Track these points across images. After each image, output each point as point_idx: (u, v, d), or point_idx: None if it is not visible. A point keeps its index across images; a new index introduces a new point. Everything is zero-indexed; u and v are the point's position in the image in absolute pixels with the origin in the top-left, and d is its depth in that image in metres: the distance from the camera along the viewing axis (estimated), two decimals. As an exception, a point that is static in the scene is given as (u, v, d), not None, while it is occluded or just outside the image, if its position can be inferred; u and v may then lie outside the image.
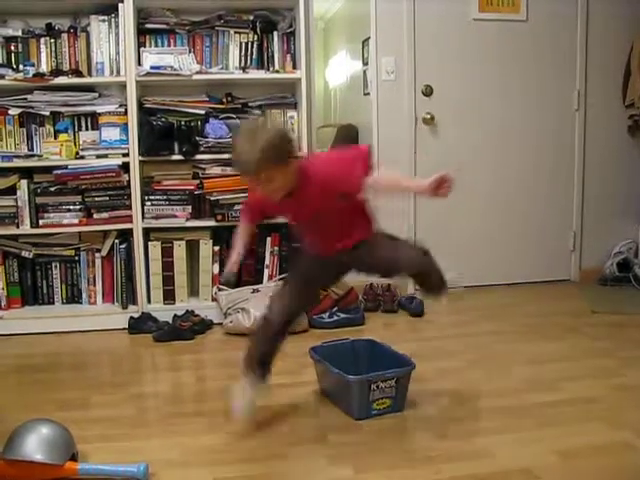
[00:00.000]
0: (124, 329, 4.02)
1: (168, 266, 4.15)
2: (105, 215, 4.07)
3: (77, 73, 4.04)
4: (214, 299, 4.17)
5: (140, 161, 4.05)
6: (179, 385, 3.26)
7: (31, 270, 4.16)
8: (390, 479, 2.28)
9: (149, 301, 4.15)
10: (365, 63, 4.80)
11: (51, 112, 4.09)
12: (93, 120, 4.15)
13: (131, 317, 4.03)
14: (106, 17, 4.06)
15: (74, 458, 2.27)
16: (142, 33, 4.18)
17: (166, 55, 4.11)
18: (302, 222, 2.74)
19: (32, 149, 4.11)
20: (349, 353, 3.06)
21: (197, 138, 4.12)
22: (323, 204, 2.54)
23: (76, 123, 4.16)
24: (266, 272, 4.28)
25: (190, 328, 3.90)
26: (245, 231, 2.84)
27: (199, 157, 4.12)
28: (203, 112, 4.21)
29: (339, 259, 2.75)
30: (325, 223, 2.64)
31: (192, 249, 4.24)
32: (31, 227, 4.01)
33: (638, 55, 4.88)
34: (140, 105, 4.13)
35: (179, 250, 4.14)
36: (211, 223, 4.17)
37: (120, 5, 3.97)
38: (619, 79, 5.02)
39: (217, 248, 4.21)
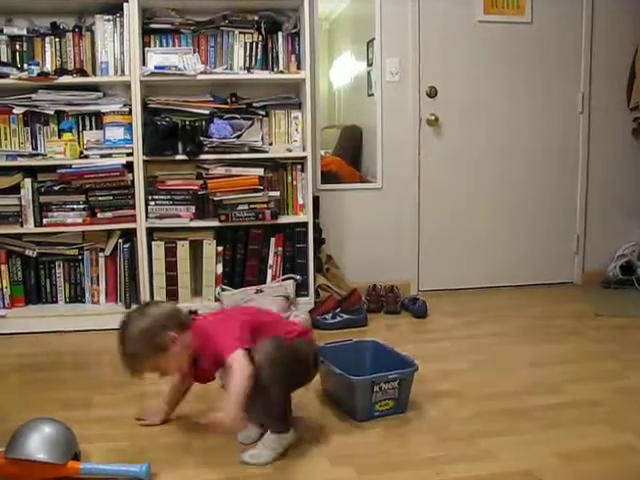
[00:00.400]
0: (127, 329, 4.01)
1: (171, 266, 4.15)
2: (109, 214, 4.07)
3: (82, 72, 4.04)
4: (217, 299, 4.17)
5: (144, 161, 4.05)
6: (182, 385, 3.26)
7: (34, 269, 4.17)
8: (392, 480, 2.28)
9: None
10: (370, 64, 4.78)
11: (55, 111, 4.09)
12: (97, 119, 4.15)
13: (134, 317, 4.02)
14: (111, 17, 4.06)
15: (76, 457, 2.27)
16: (147, 33, 4.19)
17: (171, 55, 4.11)
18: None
19: (36, 148, 4.11)
20: (352, 354, 3.05)
21: (201, 138, 4.11)
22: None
23: (80, 122, 4.16)
24: (269, 272, 4.28)
25: (193, 328, 3.90)
26: (174, 388, 2.78)
27: (203, 157, 4.12)
28: (207, 112, 4.21)
29: None
30: None
31: (195, 249, 4.24)
32: (35, 226, 4.01)
33: (643, 58, 4.89)
34: (144, 105, 4.13)
35: (182, 250, 4.14)
36: (215, 223, 4.17)
37: (125, 5, 3.98)
38: (624, 82, 5.01)
39: (221, 248, 4.21)
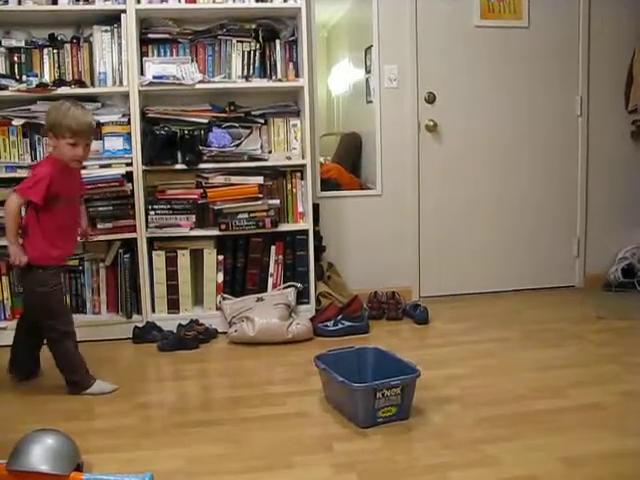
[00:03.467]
0: (128, 339, 4.02)
1: (172, 275, 4.14)
2: (109, 225, 4.06)
3: (80, 83, 4.05)
4: (218, 308, 4.17)
5: (143, 170, 4.05)
6: (184, 394, 3.26)
7: (35, 280, 4.16)
8: (396, 487, 2.28)
9: (153, 310, 4.15)
10: (368, 71, 4.79)
11: (54, 122, 4.09)
12: (96, 130, 4.14)
13: (135, 327, 4.03)
14: (109, 27, 4.07)
15: (79, 469, 2.26)
16: (145, 43, 4.19)
17: (169, 65, 4.12)
18: None
19: (35, 159, 4.10)
20: (354, 361, 3.05)
21: (200, 147, 4.12)
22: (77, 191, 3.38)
23: (79, 133, 4.16)
24: (270, 281, 4.27)
25: (194, 337, 3.90)
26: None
27: (202, 166, 4.12)
28: (206, 121, 4.21)
29: None
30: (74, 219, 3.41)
31: (196, 258, 4.24)
32: (35, 237, 4.01)
33: (640, 61, 4.90)
34: (143, 115, 4.13)
35: (183, 259, 4.14)
36: (215, 232, 4.17)
37: (122, 15, 3.98)
38: (621, 85, 5.02)
39: (221, 257, 4.21)
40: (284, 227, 4.28)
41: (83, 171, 3.95)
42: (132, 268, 4.13)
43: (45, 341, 3.27)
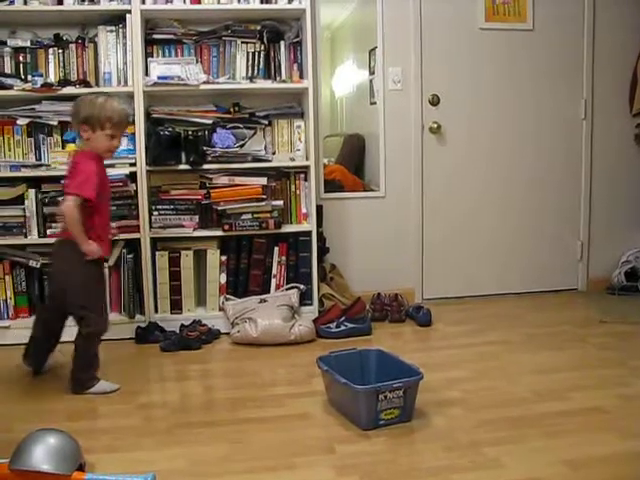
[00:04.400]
0: (131, 339, 4.02)
1: (175, 276, 4.15)
2: (112, 225, 4.06)
3: (85, 83, 4.05)
4: (221, 309, 4.18)
5: (147, 171, 4.06)
6: (186, 395, 3.25)
7: (38, 279, 4.15)
8: (398, 490, 2.28)
9: (156, 311, 4.15)
10: (372, 72, 4.79)
11: (59, 122, 4.09)
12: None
13: (138, 327, 4.03)
14: (114, 28, 4.07)
15: (82, 468, 2.26)
16: (149, 43, 4.20)
17: (173, 65, 4.12)
18: None
19: (40, 159, 4.11)
20: (357, 363, 3.05)
21: (204, 148, 4.12)
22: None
23: (84, 133, 4.16)
24: (273, 282, 4.28)
25: (197, 338, 3.90)
26: None
27: (206, 167, 4.13)
28: (210, 122, 4.21)
29: None
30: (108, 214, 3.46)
31: (199, 259, 4.24)
32: (39, 237, 4.01)
33: (645, 64, 4.89)
34: (147, 115, 4.14)
35: (186, 260, 4.15)
36: (218, 233, 4.17)
37: (128, 16, 3.99)
38: (626, 88, 5.02)
39: (224, 258, 4.21)
40: (287, 228, 4.28)
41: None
42: (135, 268, 4.13)
43: (77, 334, 3.23)
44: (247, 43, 4.27)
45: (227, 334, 4.06)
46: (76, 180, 3.11)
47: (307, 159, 4.26)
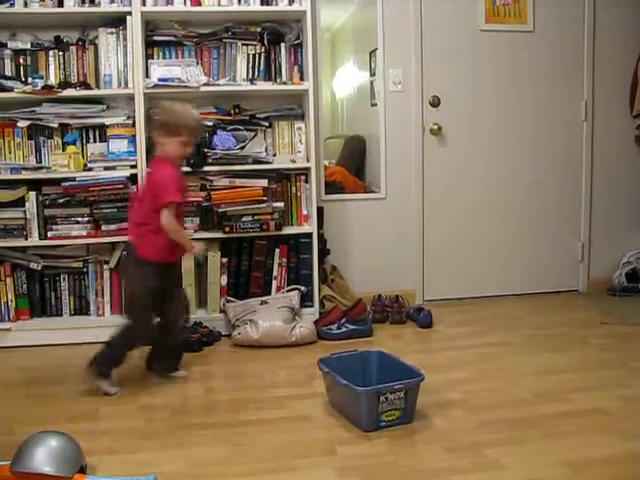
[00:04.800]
0: (132, 341, 4.01)
1: (176, 278, 4.15)
2: (113, 227, 4.07)
3: (85, 85, 4.06)
4: (222, 311, 4.17)
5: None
6: (187, 397, 3.25)
7: (39, 282, 4.17)
8: (400, 491, 2.28)
9: (157, 313, 4.15)
10: (372, 74, 4.79)
11: (59, 124, 4.10)
12: (101, 132, 4.16)
13: (139, 329, 4.02)
14: (114, 30, 4.08)
15: (83, 470, 2.27)
16: (150, 45, 4.20)
17: (174, 67, 4.12)
18: None
19: (40, 161, 4.12)
20: (358, 365, 3.05)
21: (205, 150, 4.12)
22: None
23: (84, 135, 4.16)
24: (274, 284, 4.28)
25: (198, 340, 3.90)
26: None
27: (207, 169, 4.12)
28: (211, 124, 4.21)
29: None
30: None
31: (200, 261, 4.24)
32: (39, 239, 4.02)
33: (645, 65, 4.90)
34: (148, 117, 4.13)
35: (187, 262, 4.13)
36: (219, 235, 4.17)
37: (128, 18, 3.99)
38: (626, 89, 5.02)
39: (225, 260, 4.21)
40: (288, 230, 4.28)
41: (88, 173, 4.00)
42: (136, 270, 4.13)
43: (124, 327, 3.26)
44: (247, 45, 4.27)
45: (228, 336, 4.06)
46: (159, 190, 3.14)
47: (308, 161, 4.27)
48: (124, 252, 3.39)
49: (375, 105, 4.80)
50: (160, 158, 3.27)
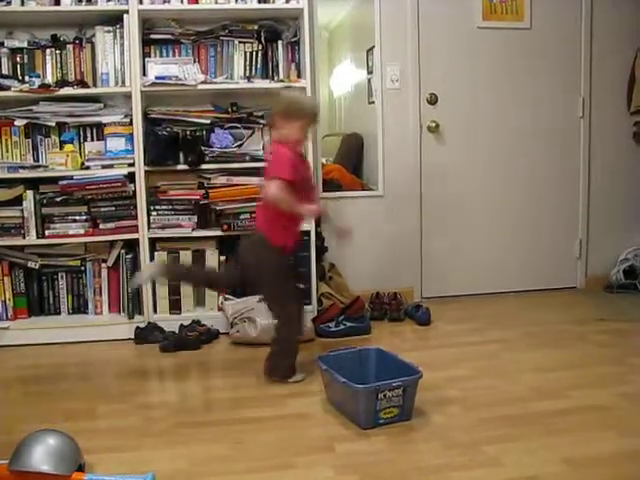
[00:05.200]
0: (130, 339, 4.02)
1: (174, 276, 4.15)
2: (111, 225, 4.07)
3: (82, 84, 4.05)
4: (220, 309, 4.17)
5: (146, 171, 4.05)
6: (186, 395, 3.26)
7: (37, 281, 4.17)
8: (398, 488, 2.28)
9: (155, 311, 4.15)
10: (370, 72, 4.79)
11: (57, 123, 4.10)
12: (98, 130, 4.16)
13: (137, 327, 4.03)
14: (111, 28, 4.07)
15: (81, 469, 2.27)
16: (147, 43, 4.19)
17: (171, 65, 4.12)
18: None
19: (38, 160, 4.12)
20: (356, 362, 3.06)
21: (202, 148, 4.12)
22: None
23: (81, 133, 4.17)
24: (272, 281, 4.27)
25: (196, 338, 3.90)
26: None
27: (204, 167, 4.12)
28: (208, 122, 4.21)
29: None
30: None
31: (198, 259, 4.24)
32: (37, 238, 4.01)
33: (643, 62, 4.90)
34: (145, 115, 4.13)
35: (185, 260, 4.14)
36: (217, 233, 4.17)
37: (125, 16, 3.98)
38: (624, 86, 5.02)
39: (223, 258, 4.21)
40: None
41: (86, 171, 3.99)
42: (134, 269, 4.13)
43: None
44: (245, 43, 4.27)
45: (226, 334, 4.06)
46: (273, 166, 3.26)
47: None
48: (249, 246, 3.41)
49: (372, 103, 4.79)
50: (278, 141, 3.34)
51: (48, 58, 4.09)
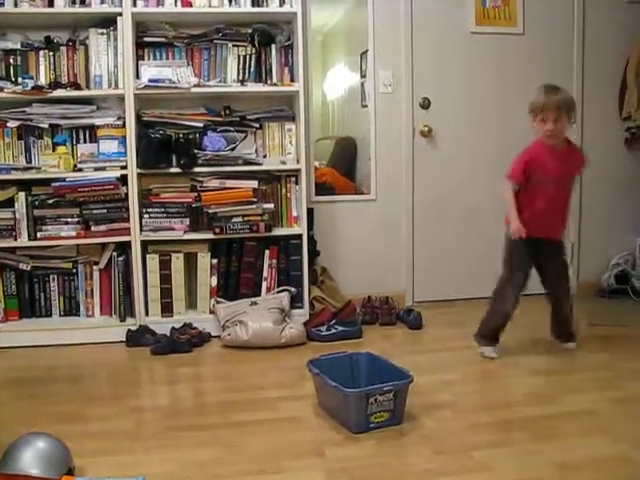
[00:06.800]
0: (122, 342, 4.01)
1: (166, 279, 4.14)
2: (103, 228, 4.06)
3: (75, 86, 4.05)
4: (212, 312, 4.17)
5: (138, 174, 4.05)
6: (177, 398, 3.25)
7: (29, 283, 4.16)
8: (388, 493, 2.28)
9: (147, 314, 4.15)
10: (363, 76, 4.80)
11: (49, 125, 4.09)
12: (91, 133, 4.15)
13: (129, 330, 4.02)
14: (105, 30, 4.07)
15: (71, 472, 2.26)
16: (140, 46, 4.19)
17: (164, 68, 4.12)
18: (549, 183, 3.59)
19: (30, 161, 4.11)
20: (347, 366, 3.06)
21: (195, 151, 4.12)
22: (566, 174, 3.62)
23: (74, 136, 4.16)
24: (264, 284, 4.28)
25: (188, 341, 3.89)
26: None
27: (197, 170, 4.12)
28: (201, 125, 4.21)
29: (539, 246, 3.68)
30: (557, 202, 3.64)
31: (190, 262, 4.24)
32: (29, 240, 4.00)
33: (634, 68, 4.91)
34: (138, 118, 4.13)
35: (177, 263, 4.14)
36: (209, 236, 4.17)
37: (119, 18, 3.98)
38: (615, 92, 5.04)
39: (215, 261, 4.21)
40: (278, 231, 4.28)
41: (78, 174, 3.99)
42: (126, 271, 4.13)
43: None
44: (238, 46, 4.27)
45: (218, 337, 4.05)
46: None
47: (298, 162, 4.27)
48: None
49: (366, 107, 4.80)
50: (534, 140, 3.65)
51: (41, 60, 4.09)
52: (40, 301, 4.20)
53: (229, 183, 4.15)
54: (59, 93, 4.00)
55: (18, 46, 4.07)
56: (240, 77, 4.27)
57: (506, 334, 4.05)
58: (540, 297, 4.92)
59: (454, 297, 4.93)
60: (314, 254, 4.52)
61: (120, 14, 3.98)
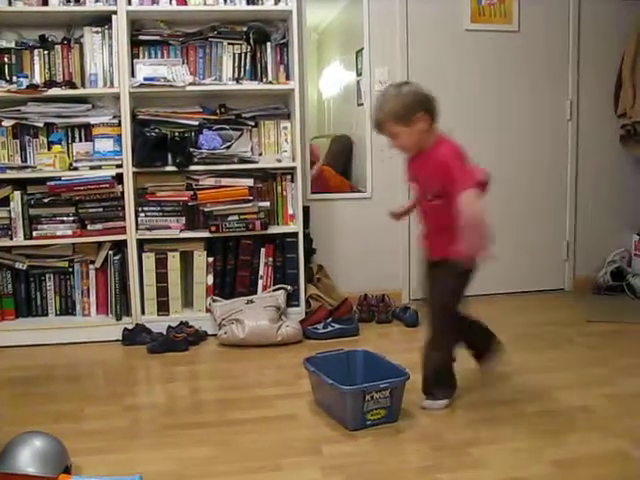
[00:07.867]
0: (118, 341, 4.01)
1: (162, 277, 4.14)
2: (99, 226, 4.06)
3: (71, 85, 4.04)
4: (208, 310, 4.17)
5: (134, 172, 4.05)
6: (173, 397, 3.25)
7: (25, 282, 4.15)
8: (385, 490, 2.28)
9: (143, 312, 4.14)
10: (359, 74, 4.80)
11: (45, 123, 4.09)
12: (87, 131, 4.15)
13: (125, 328, 4.02)
14: (100, 29, 4.06)
15: (67, 471, 2.26)
16: (135, 44, 4.18)
17: (159, 66, 4.12)
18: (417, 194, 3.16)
19: (25, 160, 4.10)
20: (344, 364, 3.06)
21: (191, 149, 4.11)
22: (425, 181, 3.07)
23: (70, 134, 4.15)
24: (260, 283, 4.28)
25: (184, 339, 3.89)
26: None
27: (193, 168, 4.12)
28: (197, 123, 4.21)
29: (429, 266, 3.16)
30: (427, 214, 3.11)
31: (186, 260, 4.24)
32: (25, 239, 4.00)
33: (629, 66, 4.91)
34: (133, 116, 4.13)
35: (173, 261, 4.14)
36: (205, 234, 4.17)
37: (114, 17, 3.98)
38: (611, 89, 5.04)
39: (211, 259, 4.21)
40: (274, 229, 4.28)
41: (73, 172, 3.99)
42: (122, 270, 4.13)
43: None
44: (233, 44, 4.27)
45: (214, 335, 4.05)
46: (459, 172, 3.00)
47: (294, 160, 4.26)
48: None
49: (361, 104, 4.80)
50: (440, 137, 3.14)
51: (36, 59, 4.08)
52: (36, 300, 4.19)
53: (225, 181, 4.14)
54: (54, 92, 3.99)
55: (13, 45, 4.08)
56: (235, 75, 4.27)
57: (501, 331, 4.05)
58: (532, 294, 4.95)
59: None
60: (310, 252, 4.52)
61: (115, 12, 3.97)
